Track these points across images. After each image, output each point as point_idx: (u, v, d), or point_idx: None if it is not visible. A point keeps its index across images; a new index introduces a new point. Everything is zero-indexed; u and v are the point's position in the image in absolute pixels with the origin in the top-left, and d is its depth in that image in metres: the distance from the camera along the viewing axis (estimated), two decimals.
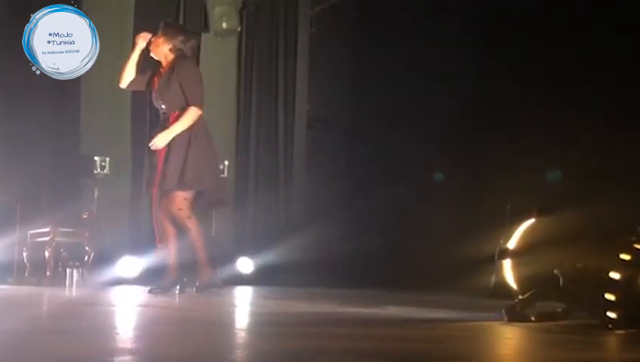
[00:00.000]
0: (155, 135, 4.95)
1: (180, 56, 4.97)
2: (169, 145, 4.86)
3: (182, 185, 4.84)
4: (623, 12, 5.23)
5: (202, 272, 4.95)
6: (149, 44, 4.99)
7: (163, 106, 4.97)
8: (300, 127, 7.66)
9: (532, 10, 5.82)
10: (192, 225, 4.89)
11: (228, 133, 7.58)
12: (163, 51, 4.98)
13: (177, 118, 4.89)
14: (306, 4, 7.75)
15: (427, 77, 6.75)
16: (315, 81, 7.75)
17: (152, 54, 5.07)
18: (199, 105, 4.89)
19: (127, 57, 5.05)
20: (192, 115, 4.86)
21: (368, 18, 7.66)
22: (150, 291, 4.93)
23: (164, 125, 4.93)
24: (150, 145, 4.93)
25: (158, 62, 5.07)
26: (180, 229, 4.92)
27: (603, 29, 5.31)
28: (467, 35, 6.46)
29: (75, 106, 6.80)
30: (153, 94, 5.03)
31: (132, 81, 5.12)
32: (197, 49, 5.14)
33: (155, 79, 5.02)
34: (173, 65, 4.95)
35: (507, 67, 6.03)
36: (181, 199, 4.86)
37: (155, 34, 5.03)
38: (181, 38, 5.01)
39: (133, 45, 5.05)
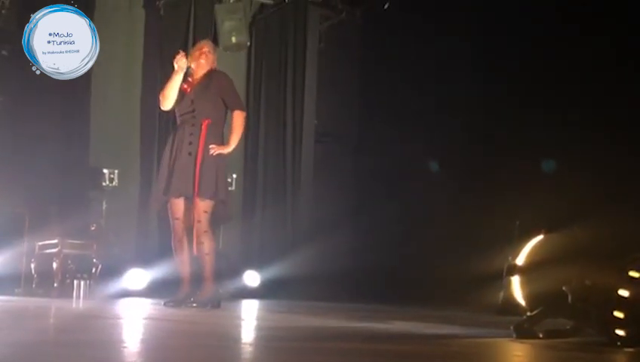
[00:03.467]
0: (184, 140, 4.95)
1: (216, 67, 5.20)
2: (203, 154, 4.91)
3: (212, 195, 4.88)
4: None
5: (204, 287, 4.96)
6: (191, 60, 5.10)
7: (194, 111, 5.01)
8: (308, 141, 7.68)
9: (541, 24, 5.83)
10: (206, 239, 4.91)
11: (236, 146, 7.58)
12: (213, 62, 5.17)
13: (209, 126, 4.97)
14: (314, 20, 7.79)
15: (435, 92, 6.76)
16: (323, 96, 7.77)
17: (206, 67, 5.14)
18: (244, 109, 5.21)
19: (170, 80, 5.07)
20: (241, 118, 5.10)
21: (376, 34, 7.68)
22: (165, 304, 4.93)
23: (192, 130, 4.96)
24: (213, 151, 4.94)
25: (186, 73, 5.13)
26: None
27: (617, 39, 5.29)
28: (475, 50, 6.47)
29: (85, 118, 6.83)
30: (185, 100, 5.06)
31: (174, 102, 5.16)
32: None
33: (185, 86, 5.08)
34: (211, 74, 5.11)
35: (518, 82, 6.03)
36: (201, 211, 4.88)
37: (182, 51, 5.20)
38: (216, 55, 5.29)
39: (173, 68, 5.08)
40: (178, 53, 5.10)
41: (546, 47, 5.81)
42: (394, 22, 7.33)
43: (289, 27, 7.74)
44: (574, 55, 5.61)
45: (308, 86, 7.66)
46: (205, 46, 5.23)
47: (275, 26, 7.81)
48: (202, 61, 5.11)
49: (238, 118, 5.07)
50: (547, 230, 3.61)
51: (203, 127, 4.95)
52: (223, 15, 7.30)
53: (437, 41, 6.63)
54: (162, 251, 6.44)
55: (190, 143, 4.92)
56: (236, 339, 3.41)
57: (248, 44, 7.56)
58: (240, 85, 7.76)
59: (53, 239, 5.87)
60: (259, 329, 4.11)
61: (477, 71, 6.43)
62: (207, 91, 5.02)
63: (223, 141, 5.05)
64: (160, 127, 7.07)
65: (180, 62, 5.02)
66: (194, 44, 7.19)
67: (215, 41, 7.40)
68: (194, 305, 4.88)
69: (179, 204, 4.96)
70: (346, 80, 7.98)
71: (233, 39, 7.31)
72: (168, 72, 7.13)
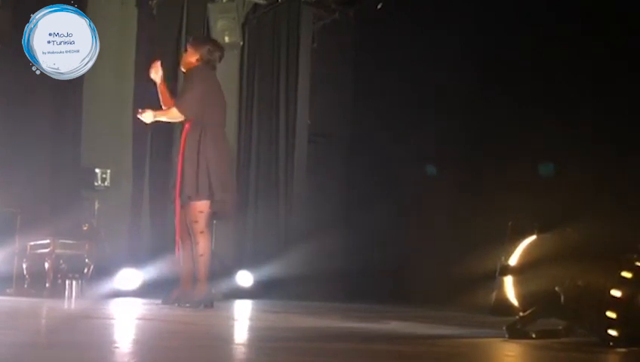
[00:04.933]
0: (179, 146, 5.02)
1: (201, 64, 5.03)
2: (183, 156, 4.88)
3: (196, 196, 4.85)
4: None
5: (197, 288, 4.96)
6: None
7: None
8: (301, 142, 7.67)
9: (536, 26, 5.84)
10: (202, 240, 4.89)
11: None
12: (191, 62, 5.04)
13: (187, 129, 4.93)
14: (307, 20, 7.78)
15: (427, 92, 6.77)
16: (316, 96, 7.77)
17: (182, 70, 5.16)
18: (181, 109, 4.92)
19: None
20: (171, 114, 4.96)
21: (370, 34, 7.69)
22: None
23: (181, 135, 5.02)
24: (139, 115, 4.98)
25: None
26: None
27: (613, 40, 5.31)
28: (468, 50, 6.48)
29: (77, 118, 6.80)
30: None
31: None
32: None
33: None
34: (186, 75, 5.08)
35: (509, 83, 6.05)
36: (196, 212, 4.87)
37: (157, 58, 5.19)
38: (209, 47, 5.08)
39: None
40: (154, 61, 5.11)
41: (541, 45, 5.82)
42: (387, 22, 7.33)
43: (282, 27, 7.74)
44: (567, 53, 5.63)
45: (301, 86, 7.65)
46: (186, 47, 5.21)
47: (268, 26, 7.80)
48: (183, 68, 5.15)
49: (171, 111, 4.96)
50: (540, 230, 3.62)
51: (184, 129, 4.97)
52: (216, 14, 7.28)
53: (430, 42, 6.64)
54: (155, 251, 6.43)
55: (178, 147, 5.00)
56: (229, 340, 3.40)
57: (241, 43, 7.55)
58: (233, 85, 7.76)
59: (45, 239, 5.85)
60: (252, 329, 4.10)
61: (470, 71, 6.44)
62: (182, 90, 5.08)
63: (218, 141, 4.97)
64: (153, 127, 7.05)
65: (152, 75, 5.08)
66: (186, 43, 7.22)
67: None
68: (187, 305, 4.87)
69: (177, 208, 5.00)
70: (339, 80, 7.98)
71: (226, 39, 7.29)
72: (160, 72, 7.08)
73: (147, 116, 4.98)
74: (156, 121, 5.10)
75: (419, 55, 6.78)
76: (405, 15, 7.13)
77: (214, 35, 7.28)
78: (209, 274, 5.02)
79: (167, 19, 7.26)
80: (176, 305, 4.92)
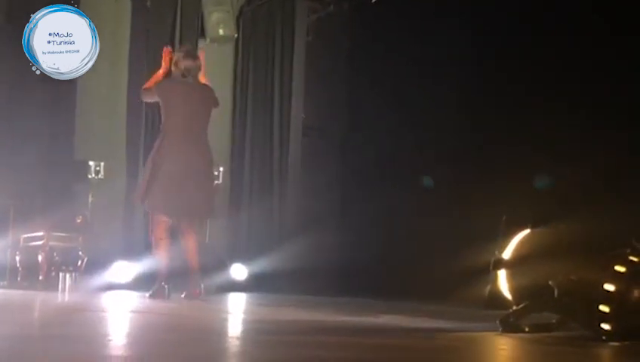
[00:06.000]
0: None
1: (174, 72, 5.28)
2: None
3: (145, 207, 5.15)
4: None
5: (191, 280, 5.06)
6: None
7: None
8: (295, 135, 7.66)
9: (533, 18, 5.83)
10: (160, 248, 5.05)
11: (223, 140, 7.56)
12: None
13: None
14: (302, 12, 7.76)
15: (424, 85, 6.76)
16: (310, 90, 7.76)
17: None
18: (139, 95, 5.37)
19: None
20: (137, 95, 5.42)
21: (365, 27, 7.67)
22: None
23: None
24: None
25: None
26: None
27: (609, 36, 5.30)
28: (464, 44, 6.47)
29: (70, 110, 6.78)
30: None
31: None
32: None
33: None
34: None
35: (507, 76, 6.04)
36: (154, 220, 5.10)
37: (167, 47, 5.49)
38: (175, 59, 5.24)
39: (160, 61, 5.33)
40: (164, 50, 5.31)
41: (541, 33, 5.81)
42: (382, 15, 7.31)
43: (277, 20, 7.71)
44: (564, 47, 5.63)
45: (295, 79, 7.63)
46: (200, 55, 5.39)
47: (262, 19, 7.78)
48: None
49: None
50: (534, 224, 3.62)
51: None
52: (210, 7, 7.26)
53: (426, 35, 6.63)
54: (148, 244, 6.41)
55: None
56: (223, 333, 3.41)
57: (235, 36, 7.53)
58: (227, 78, 7.74)
59: (39, 231, 5.84)
60: (246, 322, 4.10)
61: (466, 65, 6.43)
62: None
63: (171, 153, 5.09)
64: (146, 119, 7.03)
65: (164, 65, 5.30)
66: (181, 36, 7.20)
67: (202, 34, 7.39)
68: (182, 296, 4.92)
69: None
70: (334, 73, 7.96)
71: (220, 31, 7.27)
72: (155, 64, 7.15)
73: None
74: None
75: (414, 48, 6.77)
76: (400, 8, 7.11)
77: (208, 27, 7.26)
78: (202, 267, 5.15)
79: (162, 12, 7.23)
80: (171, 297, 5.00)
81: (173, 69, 5.12)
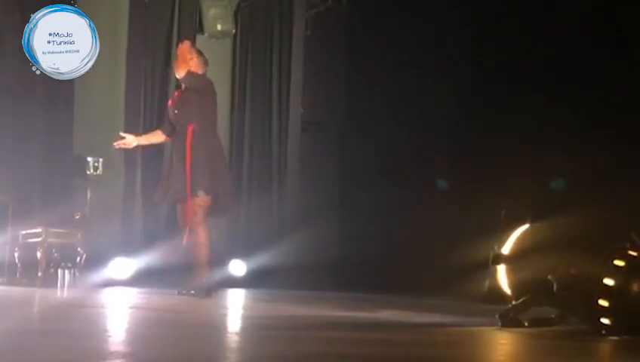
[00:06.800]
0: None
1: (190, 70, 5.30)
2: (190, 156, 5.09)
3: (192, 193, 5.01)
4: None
5: (194, 278, 5.00)
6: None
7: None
8: (294, 130, 7.65)
9: (533, 17, 5.82)
10: (201, 230, 5.00)
11: (222, 134, 7.52)
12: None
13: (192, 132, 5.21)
14: (300, 7, 7.75)
15: (422, 80, 6.75)
16: (309, 84, 7.74)
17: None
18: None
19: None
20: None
21: (363, 22, 7.66)
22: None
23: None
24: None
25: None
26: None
27: (608, 33, 5.30)
28: (463, 38, 6.46)
29: (69, 107, 6.77)
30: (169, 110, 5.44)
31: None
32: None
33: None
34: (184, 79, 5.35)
35: (505, 71, 6.03)
36: (196, 206, 5.00)
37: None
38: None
39: (158, 57, 5.48)
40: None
41: (540, 30, 5.80)
42: (380, 10, 7.30)
43: (275, 15, 7.70)
44: (559, 43, 5.62)
45: (294, 74, 7.62)
46: (177, 50, 5.36)
47: (260, 14, 7.76)
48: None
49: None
50: (533, 219, 3.62)
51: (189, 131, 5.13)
52: (208, 2, 7.24)
53: (424, 30, 6.62)
54: (147, 240, 6.41)
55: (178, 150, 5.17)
56: (222, 328, 3.40)
57: (234, 31, 7.51)
58: (225, 73, 7.72)
59: (37, 228, 5.82)
60: (245, 318, 4.10)
61: (463, 60, 6.42)
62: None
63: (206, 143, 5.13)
64: (144, 115, 7.02)
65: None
66: (179, 31, 7.18)
67: (200, 29, 7.37)
68: (192, 292, 4.91)
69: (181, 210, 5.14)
70: (332, 68, 7.95)
71: (218, 26, 7.26)
72: (153, 60, 7.13)
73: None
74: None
75: (412, 43, 6.76)
76: (398, 3, 7.10)
77: (207, 22, 7.25)
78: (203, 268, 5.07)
79: (159, 8, 7.21)
80: (178, 293, 4.97)
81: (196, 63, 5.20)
